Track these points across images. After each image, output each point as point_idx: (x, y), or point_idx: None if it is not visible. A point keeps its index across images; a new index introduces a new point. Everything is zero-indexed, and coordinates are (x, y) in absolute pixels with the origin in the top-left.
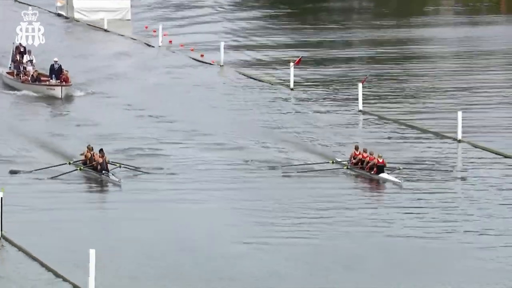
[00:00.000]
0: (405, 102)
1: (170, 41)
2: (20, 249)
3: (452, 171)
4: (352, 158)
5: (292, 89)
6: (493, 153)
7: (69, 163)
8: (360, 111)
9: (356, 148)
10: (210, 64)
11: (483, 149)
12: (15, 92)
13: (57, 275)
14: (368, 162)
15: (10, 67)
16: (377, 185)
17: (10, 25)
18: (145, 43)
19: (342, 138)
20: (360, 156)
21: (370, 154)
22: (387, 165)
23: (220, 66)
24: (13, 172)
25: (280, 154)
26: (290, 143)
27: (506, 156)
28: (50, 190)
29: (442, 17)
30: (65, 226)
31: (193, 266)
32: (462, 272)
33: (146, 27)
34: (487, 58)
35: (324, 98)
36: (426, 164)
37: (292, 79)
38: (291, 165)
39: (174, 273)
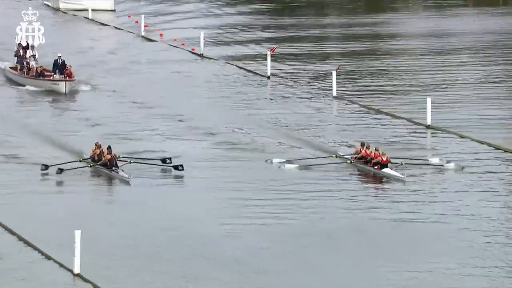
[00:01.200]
0: (378, 91)
1: (161, 34)
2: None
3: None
4: (357, 154)
5: (268, 77)
6: (461, 137)
7: (80, 160)
8: (334, 97)
9: (362, 145)
10: (211, 59)
11: (451, 133)
12: (19, 86)
13: (43, 254)
14: (372, 159)
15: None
16: (369, 176)
17: (11, 20)
18: (143, 37)
19: (317, 122)
20: (364, 153)
21: (376, 150)
22: (389, 162)
23: (201, 55)
24: (44, 168)
25: (261, 139)
26: (269, 129)
27: (472, 140)
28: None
29: (411, 13)
30: (53, 210)
31: (175, 246)
32: (436, 250)
33: (129, 16)
34: (454, 47)
35: (299, 86)
36: (424, 160)
37: (269, 67)
38: (296, 159)
39: (157, 253)
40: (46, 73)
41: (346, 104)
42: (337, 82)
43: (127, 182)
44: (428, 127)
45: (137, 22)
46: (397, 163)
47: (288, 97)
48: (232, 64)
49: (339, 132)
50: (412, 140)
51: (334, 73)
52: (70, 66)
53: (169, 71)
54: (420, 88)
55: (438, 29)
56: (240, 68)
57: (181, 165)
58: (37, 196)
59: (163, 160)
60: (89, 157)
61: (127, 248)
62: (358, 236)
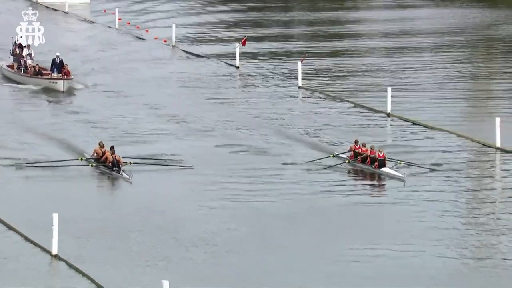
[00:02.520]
0: (340, 79)
1: (128, 23)
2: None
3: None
4: (352, 152)
5: (237, 67)
6: (419, 125)
7: (81, 159)
8: (299, 87)
9: (356, 142)
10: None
11: (409, 121)
12: (17, 85)
13: (23, 236)
14: (368, 156)
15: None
16: (361, 174)
17: (7, 18)
18: (135, 36)
19: (283, 110)
20: (359, 150)
21: (371, 148)
22: (386, 159)
23: (172, 46)
24: (18, 166)
25: (227, 130)
26: (234, 116)
27: (430, 127)
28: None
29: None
30: (33, 196)
31: (149, 228)
32: (391, 232)
33: (105, 11)
34: (415, 37)
35: (266, 75)
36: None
37: (237, 57)
38: (291, 163)
39: (131, 235)
40: (44, 72)
41: (311, 93)
42: (302, 72)
43: (127, 182)
44: (388, 115)
45: (114, 13)
46: (395, 162)
47: (257, 86)
48: (202, 56)
49: (303, 120)
50: (374, 127)
51: (299, 63)
52: (67, 64)
53: (143, 62)
54: (381, 77)
55: (398, 17)
56: (209, 58)
57: (192, 166)
58: (20, 183)
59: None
60: (91, 156)
61: (103, 230)
62: (319, 218)
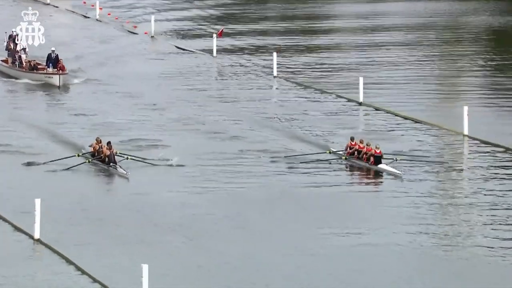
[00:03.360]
0: (315, 70)
1: (109, 14)
2: None
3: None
4: (348, 149)
5: (215, 56)
6: (390, 113)
7: (78, 155)
8: (274, 76)
9: (352, 138)
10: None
11: (380, 110)
12: (12, 79)
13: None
14: (365, 153)
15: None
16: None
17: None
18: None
19: (259, 98)
20: (357, 147)
21: (367, 145)
22: (382, 157)
23: (151, 37)
24: (29, 164)
25: (209, 117)
26: (213, 103)
27: (401, 116)
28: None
29: None
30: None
31: (129, 214)
32: (363, 218)
33: (84, 3)
34: (384, 28)
35: (243, 65)
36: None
37: (215, 48)
38: (291, 155)
39: (112, 220)
40: (39, 67)
41: (286, 82)
42: (277, 62)
43: (124, 177)
44: (360, 104)
45: (93, 6)
46: (391, 158)
47: (231, 75)
48: (179, 48)
49: (278, 107)
50: (346, 116)
51: (275, 54)
52: (61, 59)
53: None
54: (354, 67)
55: (371, 10)
56: (184, 50)
57: (183, 165)
58: (6, 172)
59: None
60: (88, 152)
61: (84, 216)
62: (295, 204)
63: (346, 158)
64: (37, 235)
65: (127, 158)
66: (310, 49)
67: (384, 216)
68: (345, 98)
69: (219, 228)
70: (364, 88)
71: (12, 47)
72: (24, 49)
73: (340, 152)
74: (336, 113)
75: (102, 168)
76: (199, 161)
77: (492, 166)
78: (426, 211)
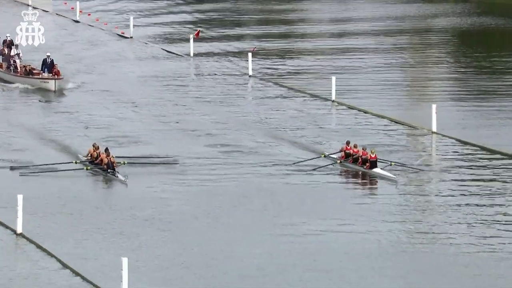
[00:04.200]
0: (288, 68)
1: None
2: None
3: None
4: (343, 153)
5: (190, 56)
6: (362, 111)
7: (75, 162)
8: (250, 76)
9: (347, 143)
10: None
11: (352, 108)
12: (7, 84)
13: None
14: (360, 157)
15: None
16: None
17: None
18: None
19: (234, 97)
20: (351, 151)
21: (363, 149)
22: (378, 161)
23: (130, 37)
24: (13, 168)
25: (187, 115)
26: (191, 101)
27: (372, 114)
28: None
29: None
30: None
31: (108, 208)
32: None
33: (65, 3)
34: (357, 31)
35: (218, 65)
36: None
37: (192, 49)
38: (290, 163)
39: (92, 215)
40: (34, 72)
41: (260, 81)
42: (252, 62)
43: (123, 184)
44: (333, 102)
45: (72, 8)
46: (386, 163)
47: (208, 73)
48: (156, 44)
49: (253, 106)
50: (319, 113)
51: (250, 54)
52: (56, 64)
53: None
54: (326, 67)
55: (343, 15)
56: (163, 49)
57: (177, 162)
58: None
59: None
60: (85, 158)
61: (66, 210)
62: (267, 199)
63: (341, 162)
64: (19, 229)
65: (124, 163)
66: (285, 51)
67: (357, 211)
68: (318, 97)
69: (197, 222)
70: (336, 87)
71: (6, 52)
72: (18, 54)
73: (335, 156)
74: (308, 111)
75: (100, 174)
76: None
77: (457, 161)
78: (393, 207)
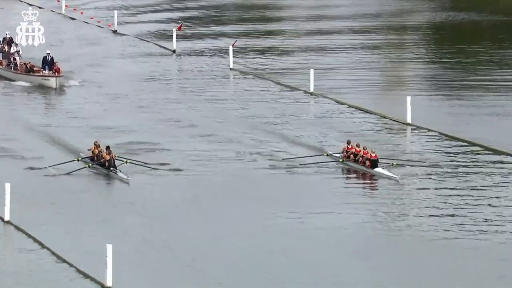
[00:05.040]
0: (268, 61)
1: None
2: None
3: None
4: (345, 152)
5: (174, 51)
6: (340, 103)
7: (78, 160)
8: (231, 68)
9: (348, 142)
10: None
11: (331, 99)
12: (8, 81)
13: None
14: (362, 156)
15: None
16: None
17: None
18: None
19: (216, 88)
20: (353, 150)
21: (364, 148)
22: (378, 160)
23: (114, 31)
24: (29, 169)
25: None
26: (176, 93)
27: (350, 106)
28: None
29: None
30: None
31: (95, 195)
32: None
33: (58, 1)
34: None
35: (200, 56)
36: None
37: (174, 42)
38: (289, 158)
39: (79, 203)
40: (35, 69)
41: (240, 73)
42: (233, 55)
43: (125, 182)
44: (311, 94)
45: (58, 1)
46: (388, 163)
47: (190, 65)
48: (142, 39)
49: (234, 96)
50: (298, 105)
51: (231, 47)
52: (57, 62)
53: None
54: (305, 60)
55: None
56: (148, 42)
57: (181, 169)
58: None
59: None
60: (87, 156)
61: (52, 199)
62: (252, 188)
63: (343, 161)
64: (7, 217)
65: (126, 162)
66: (265, 45)
67: (334, 201)
68: (297, 88)
69: (182, 211)
70: (314, 80)
71: (6, 49)
72: (18, 51)
73: (337, 155)
74: (288, 102)
75: (102, 173)
76: (169, 147)
77: (433, 151)
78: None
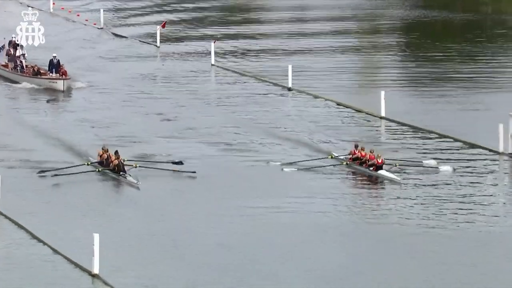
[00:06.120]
0: (248, 58)
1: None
2: None
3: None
4: (351, 156)
5: (158, 47)
6: (318, 97)
7: (87, 164)
8: (212, 65)
9: (356, 146)
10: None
11: (309, 94)
12: (15, 84)
13: None
14: (368, 160)
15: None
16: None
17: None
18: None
19: (199, 82)
20: (359, 154)
21: (370, 152)
22: (383, 164)
23: (100, 28)
24: (41, 173)
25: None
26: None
27: (323, 98)
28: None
29: None
30: None
31: (84, 183)
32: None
33: None
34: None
35: (183, 54)
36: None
37: (158, 38)
38: (294, 162)
39: (65, 194)
40: (41, 72)
41: (222, 69)
42: (215, 52)
43: (135, 187)
44: (289, 89)
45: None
46: (390, 164)
47: (173, 61)
48: (127, 38)
49: (215, 90)
50: (276, 100)
51: (212, 44)
52: (63, 64)
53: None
54: (284, 56)
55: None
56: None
57: (180, 161)
58: None
59: (174, 163)
60: (96, 161)
61: (40, 188)
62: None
63: (347, 164)
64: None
65: (135, 166)
66: (245, 40)
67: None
68: (276, 84)
69: (165, 202)
70: (293, 75)
71: (12, 52)
72: (23, 54)
73: (342, 157)
74: (267, 97)
75: (112, 177)
76: (151, 140)
77: (404, 144)
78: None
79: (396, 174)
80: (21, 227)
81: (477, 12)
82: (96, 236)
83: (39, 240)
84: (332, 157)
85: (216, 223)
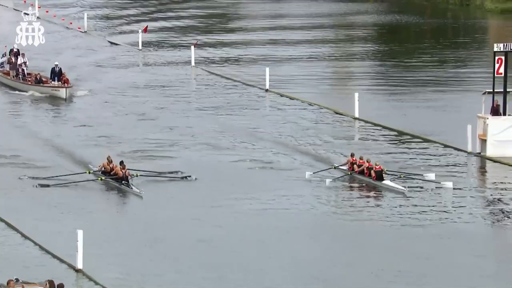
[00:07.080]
0: (226, 60)
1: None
2: None
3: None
4: (350, 164)
5: (140, 50)
6: (294, 99)
7: (89, 172)
8: (192, 66)
9: (352, 155)
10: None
11: (284, 96)
12: (17, 92)
13: None
14: (365, 168)
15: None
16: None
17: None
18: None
19: (179, 83)
20: (357, 162)
21: (367, 161)
22: (383, 171)
23: (84, 32)
24: (43, 186)
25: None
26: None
27: (303, 101)
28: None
29: None
30: None
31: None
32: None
33: (25, 2)
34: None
35: (164, 57)
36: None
37: (140, 41)
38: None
39: (52, 191)
40: (43, 80)
41: (202, 71)
42: (195, 54)
43: (138, 196)
44: (266, 91)
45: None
46: (395, 175)
47: (155, 64)
48: (110, 42)
49: (194, 91)
50: (254, 101)
51: (192, 47)
52: (65, 72)
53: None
54: (261, 59)
55: (277, 12)
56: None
57: (189, 176)
58: None
59: (172, 172)
60: (98, 170)
61: (26, 185)
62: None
63: (351, 174)
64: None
65: (137, 176)
66: (224, 44)
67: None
68: (253, 86)
69: (149, 200)
70: (270, 78)
71: (13, 60)
72: (24, 62)
73: (344, 167)
74: (244, 98)
75: (115, 186)
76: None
77: (376, 141)
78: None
79: (399, 183)
80: (8, 224)
81: (446, 17)
82: (80, 232)
83: (25, 236)
84: (334, 168)
85: (200, 221)
